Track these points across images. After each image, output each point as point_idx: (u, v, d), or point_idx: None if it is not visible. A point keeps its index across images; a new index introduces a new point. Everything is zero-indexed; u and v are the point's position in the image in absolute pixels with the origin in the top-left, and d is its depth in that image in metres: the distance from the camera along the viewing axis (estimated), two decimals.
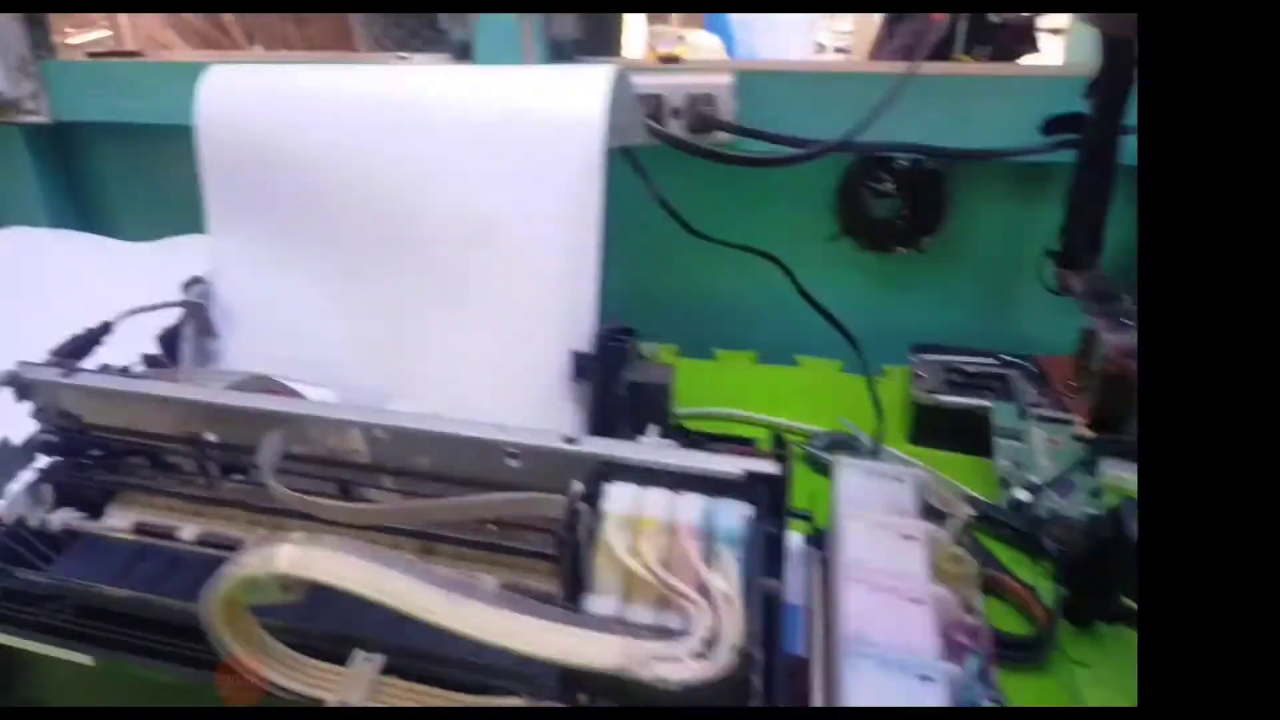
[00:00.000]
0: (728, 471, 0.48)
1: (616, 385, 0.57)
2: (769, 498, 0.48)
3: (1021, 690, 0.57)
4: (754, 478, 0.48)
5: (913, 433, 0.75)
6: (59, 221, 1.06)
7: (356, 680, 0.48)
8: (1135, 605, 0.59)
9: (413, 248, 0.62)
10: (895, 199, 0.82)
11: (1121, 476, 0.67)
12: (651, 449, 0.51)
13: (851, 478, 0.58)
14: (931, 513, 0.56)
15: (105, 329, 0.69)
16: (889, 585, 0.50)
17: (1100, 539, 0.57)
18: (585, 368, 0.59)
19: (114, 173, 1.09)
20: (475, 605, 0.42)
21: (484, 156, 0.59)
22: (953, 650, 0.47)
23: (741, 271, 0.89)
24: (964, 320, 0.86)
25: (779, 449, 0.50)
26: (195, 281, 0.72)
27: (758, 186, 0.83)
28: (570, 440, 0.51)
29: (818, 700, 0.49)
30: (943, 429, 0.73)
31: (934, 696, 0.44)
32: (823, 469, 0.71)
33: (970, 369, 0.77)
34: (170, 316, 0.76)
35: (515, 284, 0.59)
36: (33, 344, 0.65)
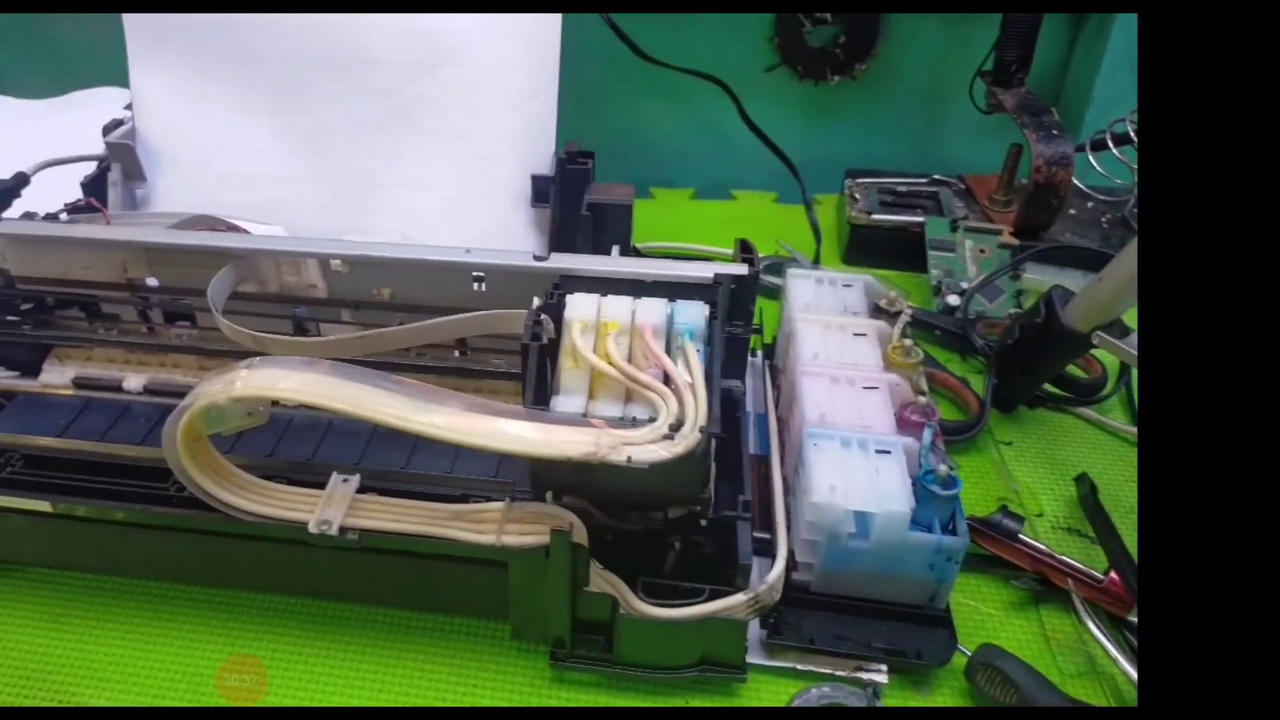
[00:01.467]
0: (697, 275, 0.50)
1: (578, 208, 0.58)
2: (739, 299, 0.50)
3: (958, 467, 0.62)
4: (723, 280, 0.49)
5: (847, 253, 0.78)
6: None
7: (335, 500, 0.49)
8: (1054, 390, 0.64)
9: (358, 73, 0.59)
10: (832, 26, 0.82)
11: (1041, 279, 0.72)
12: (621, 262, 0.52)
13: (803, 286, 0.61)
14: (879, 313, 0.59)
15: (22, 180, 0.65)
16: (846, 376, 0.53)
17: (1025, 331, 0.62)
18: (545, 191, 0.59)
19: None
20: (445, 409, 0.43)
21: None
22: (906, 428, 0.51)
23: (675, 107, 0.89)
24: (893, 147, 0.88)
25: (745, 253, 0.51)
26: (117, 124, 0.67)
27: (694, 17, 0.82)
28: (539, 258, 0.52)
29: (778, 485, 0.53)
30: (877, 247, 0.76)
31: (894, 465, 0.48)
32: (767, 292, 0.73)
33: (902, 189, 0.79)
34: (88, 169, 0.72)
35: (473, 107, 0.58)
36: None
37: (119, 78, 0.86)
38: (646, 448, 0.42)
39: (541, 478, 0.48)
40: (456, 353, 0.58)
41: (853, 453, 0.49)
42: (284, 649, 0.51)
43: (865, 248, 0.76)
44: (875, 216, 0.76)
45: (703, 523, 0.49)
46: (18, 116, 0.91)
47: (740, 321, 0.52)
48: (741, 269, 0.51)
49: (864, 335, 0.56)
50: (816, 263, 0.74)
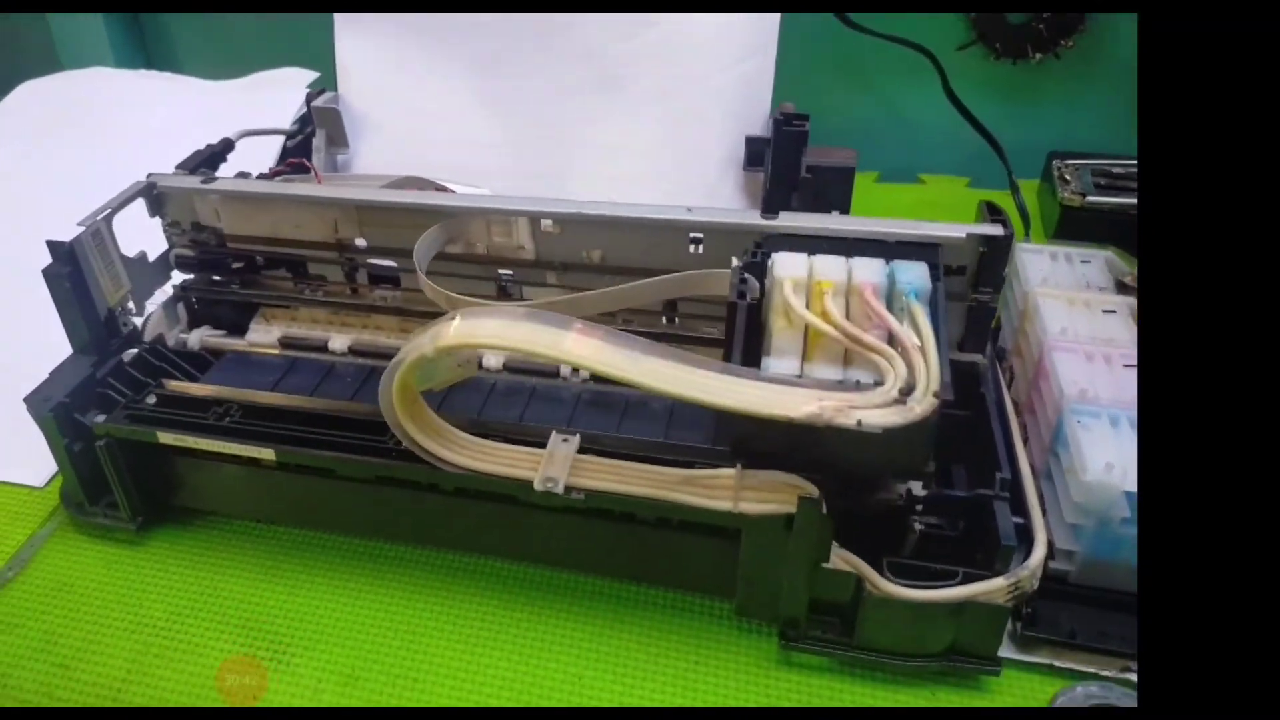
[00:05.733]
0: (950, 235, 0.46)
1: (795, 172, 0.55)
2: (989, 264, 0.47)
3: None
4: (977, 242, 0.46)
5: (1056, 236, 0.73)
6: (125, 63, 1.02)
7: (557, 459, 0.47)
8: None
9: (565, 34, 0.58)
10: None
11: None
12: (856, 221, 0.49)
13: (1036, 260, 0.57)
14: (1124, 289, 0.54)
15: (228, 145, 0.66)
16: (1101, 354, 0.49)
17: None
18: (759, 154, 0.56)
19: (179, 12, 1.03)
20: (660, 361, 0.41)
21: None
22: None
23: (861, 87, 0.86)
24: (1097, 130, 0.82)
25: (994, 214, 0.48)
26: (320, 91, 0.68)
27: None
28: (768, 216, 0.49)
29: (1024, 468, 0.48)
30: (1091, 231, 0.70)
31: None
32: None
33: (1118, 170, 0.74)
34: (277, 143, 0.73)
35: (685, 66, 0.56)
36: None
37: (293, 59, 0.89)
38: (876, 412, 0.38)
39: (744, 442, 0.44)
40: (664, 319, 0.56)
41: (1123, 432, 0.44)
42: (493, 612, 0.50)
43: (1078, 231, 0.71)
44: (1090, 199, 0.71)
45: (918, 507, 0.45)
46: (205, 96, 0.94)
47: (988, 289, 0.48)
48: (995, 229, 0.47)
49: (1113, 312, 0.52)
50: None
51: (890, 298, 0.43)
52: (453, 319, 0.43)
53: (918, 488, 0.47)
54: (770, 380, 0.40)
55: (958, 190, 0.85)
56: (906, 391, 0.39)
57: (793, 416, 0.38)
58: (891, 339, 0.41)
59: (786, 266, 0.45)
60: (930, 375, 0.39)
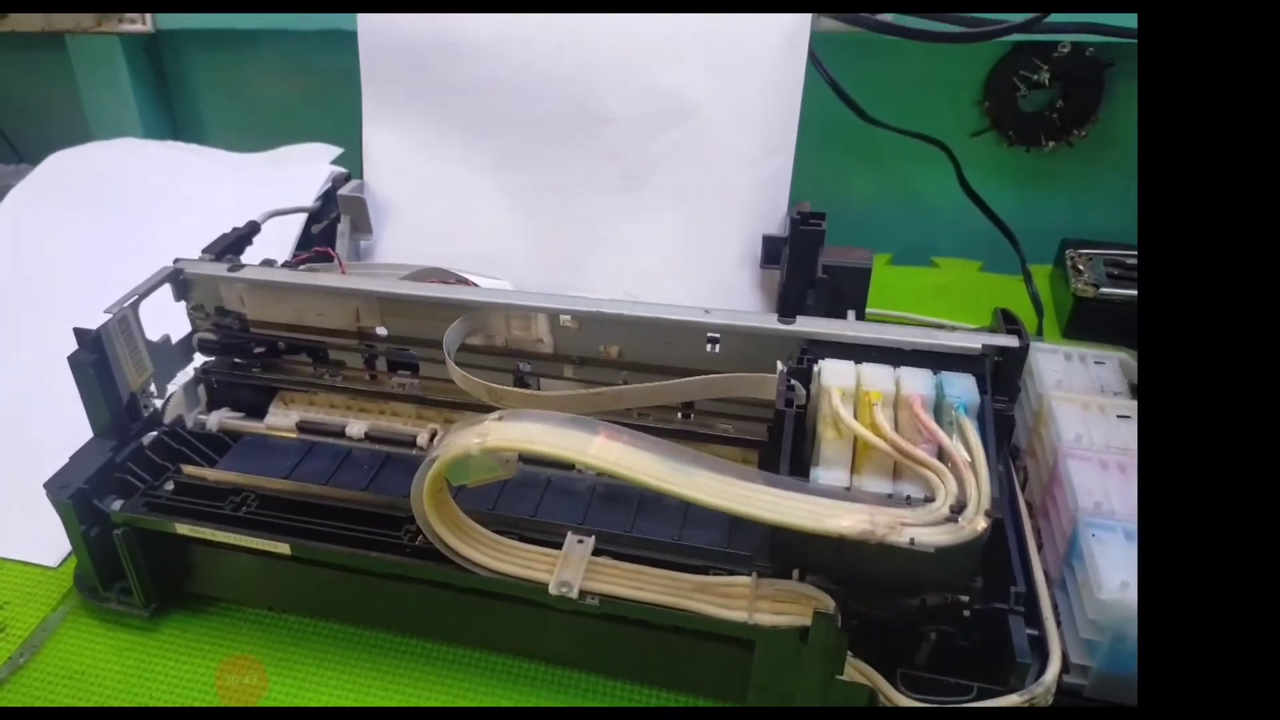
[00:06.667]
0: (966, 346, 0.47)
1: (811, 270, 0.56)
2: (1005, 373, 0.47)
3: None
4: (992, 352, 0.46)
5: (1069, 328, 0.74)
6: (153, 133, 1.04)
7: (573, 561, 0.47)
8: None
9: (592, 132, 0.59)
10: (1049, 90, 0.79)
11: None
12: (874, 328, 0.50)
13: (1050, 361, 0.57)
14: (1137, 393, 0.54)
15: (254, 228, 0.67)
16: (1116, 461, 0.49)
17: None
18: (776, 252, 0.57)
19: (206, 84, 1.06)
20: (707, 473, 0.41)
21: (678, 30, 0.56)
22: None
23: (875, 170, 0.87)
24: (1109, 217, 0.83)
25: (1010, 324, 0.48)
26: (346, 179, 0.70)
27: (898, 84, 0.80)
28: (785, 320, 0.50)
29: (1039, 576, 0.48)
30: (1104, 323, 0.72)
31: None
32: None
33: (1131, 261, 0.75)
34: (301, 219, 0.75)
35: (707, 166, 0.57)
36: (163, 255, 0.63)
37: (317, 131, 0.91)
38: (928, 530, 0.39)
39: (790, 553, 0.45)
40: (680, 414, 0.56)
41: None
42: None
43: (1091, 323, 0.72)
44: (1104, 290, 0.72)
45: (966, 613, 0.45)
46: (230, 169, 0.96)
47: (1004, 397, 0.48)
48: (1010, 340, 0.47)
49: (1127, 417, 0.52)
50: (1039, 337, 0.70)
51: (938, 410, 0.44)
52: (498, 419, 0.43)
53: (935, 596, 0.46)
54: (820, 494, 0.41)
55: (970, 274, 0.86)
56: (957, 509, 0.40)
57: (844, 533, 0.39)
58: (941, 453, 0.42)
59: (834, 375, 0.45)
60: (981, 492, 0.40)
